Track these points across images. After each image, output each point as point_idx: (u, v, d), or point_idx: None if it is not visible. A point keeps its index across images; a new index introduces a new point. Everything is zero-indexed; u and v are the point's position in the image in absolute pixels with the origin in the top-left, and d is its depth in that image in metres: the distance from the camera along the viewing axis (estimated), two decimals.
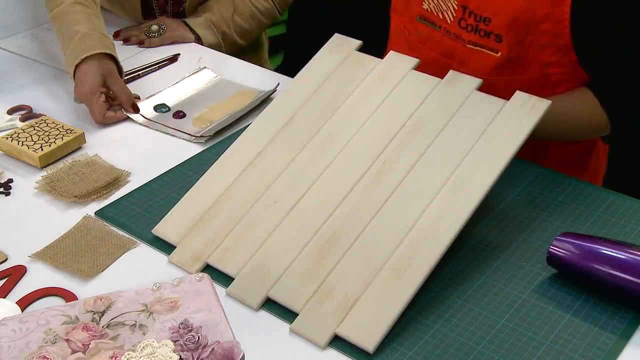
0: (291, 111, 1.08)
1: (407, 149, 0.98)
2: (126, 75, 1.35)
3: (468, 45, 1.16)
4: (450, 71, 1.05)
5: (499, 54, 1.13)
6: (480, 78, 1.04)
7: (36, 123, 1.19)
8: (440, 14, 1.18)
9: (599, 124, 1.13)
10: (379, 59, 1.10)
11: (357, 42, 1.14)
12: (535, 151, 1.17)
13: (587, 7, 1.06)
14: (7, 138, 1.15)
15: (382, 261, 0.89)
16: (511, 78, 1.14)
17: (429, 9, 1.20)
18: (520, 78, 1.13)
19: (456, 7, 1.15)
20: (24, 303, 0.89)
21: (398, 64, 1.09)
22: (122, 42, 1.50)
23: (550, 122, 0.97)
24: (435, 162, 0.96)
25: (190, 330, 0.70)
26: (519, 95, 0.99)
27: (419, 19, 1.23)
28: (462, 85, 1.03)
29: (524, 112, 0.97)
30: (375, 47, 1.21)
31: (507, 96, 1.00)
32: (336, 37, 1.15)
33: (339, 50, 1.13)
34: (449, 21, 1.17)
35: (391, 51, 1.11)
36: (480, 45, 1.15)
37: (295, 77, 1.13)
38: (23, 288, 0.92)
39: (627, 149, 1.65)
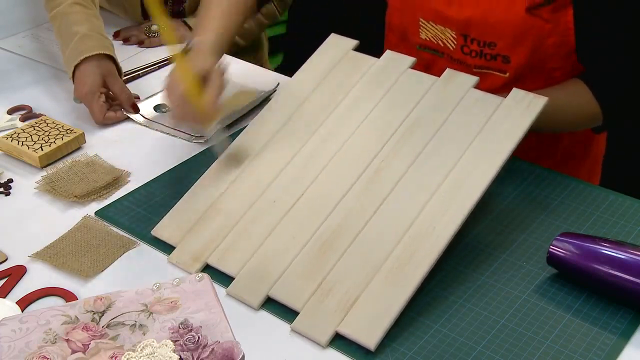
0: (288, 111, 1.08)
1: (405, 148, 0.98)
2: (126, 75, 1.34)
3: (475, 70, 1.15)
4: (447, 69, 1.05)
5: (507, 74, 1.13)
6: None
7: (36, 123, 1.19)
8: (440, 42, 1.17)
9: (592, 114, 1.13)
10: (376, 58, 1.10)
11: (354, 42, 1.13)
12: (546, 146, 1.17)
13: (589, 10, 1.06)
14: (7, 138, 1.15)
15: (382, 258, 0.89)
16: None
17: (428, 39, 1.19)
18: (527, 89, 1.13)
19: (455, 36, 1.14)
20: (24, 303, 0.89)
21: (395, 63, 1.09)
22: (122, 42, 1.50)
23: (545, 115, 0.97)
24: (433, 160, 0.96)
25: (190, 330, 0.70)
26: (515, 92, 0.99)
27: (419, 48, 1.21)
28: (458, 83, 1.03)
29: (521, 109, 0.97)
30: (375, 47, 1.21)
31: None
32: (332, 37, 1.15)
33: (336, 50, 1.13)
34: (451, 48, 1.16)
35: (387, 50, 1.10)
36: (487, 68, 1.14)
37: (292, 77, 1.13)
38: (23, 288, 0.92)
39: (621, 141, 1.65)
